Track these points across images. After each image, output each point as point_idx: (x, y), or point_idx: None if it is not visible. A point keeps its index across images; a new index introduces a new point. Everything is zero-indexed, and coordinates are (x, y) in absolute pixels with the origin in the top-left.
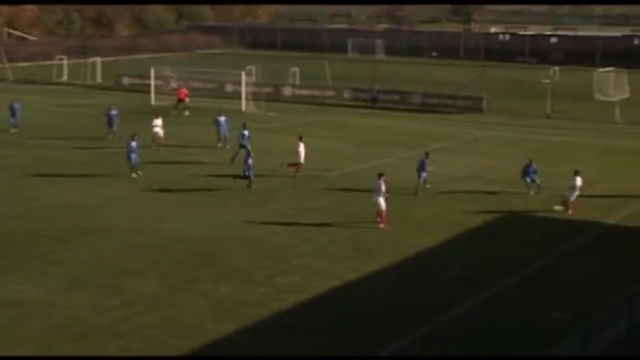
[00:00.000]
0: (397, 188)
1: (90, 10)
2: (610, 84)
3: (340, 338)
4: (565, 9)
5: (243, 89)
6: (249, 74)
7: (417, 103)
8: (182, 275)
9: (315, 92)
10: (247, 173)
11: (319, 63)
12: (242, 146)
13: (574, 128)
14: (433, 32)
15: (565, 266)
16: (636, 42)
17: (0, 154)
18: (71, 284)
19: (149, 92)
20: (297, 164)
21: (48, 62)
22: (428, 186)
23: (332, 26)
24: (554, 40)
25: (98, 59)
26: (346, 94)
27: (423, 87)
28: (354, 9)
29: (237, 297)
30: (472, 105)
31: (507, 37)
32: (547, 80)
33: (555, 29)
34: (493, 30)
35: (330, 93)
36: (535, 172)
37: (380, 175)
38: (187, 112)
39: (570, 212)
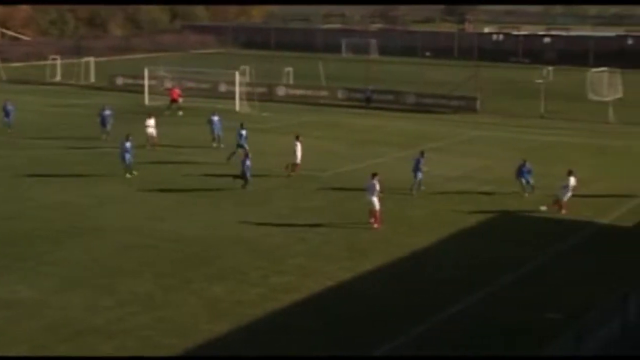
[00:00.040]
0: (391, 188)
1: (84, 10)
2: (604, 84)
3: (334, 338)
4: (558, 9)
5: (237, 89)
6: (242, 74)
7: (411, 103)
8: (176, 275)
9: (309, 92)
10: (246, 173)
11: (312, 63)
12: (240, 146)
13: (567, 128)
14: (427, 32)
15: (559, 266)
16: (629, 42)
17: None
18: (65, 284)
19: (142, 92)
20: (294, 164)
21: (42, 62)
22: (422, 187)
23: (326, 26)
24: (547, 40)
25: (92, 59)
26: (340, 94)
27: (417, 87)
28: (347, 9)
29: (231, 297)
30: (466, 105)
31: (501, 37)
32: (540, 80)
33: (549, 29)
34: (487, 30)
35: (324, 93)
36: (529, 172)
37: (374, 174)
38: (180, 112)
39: (563, 212)
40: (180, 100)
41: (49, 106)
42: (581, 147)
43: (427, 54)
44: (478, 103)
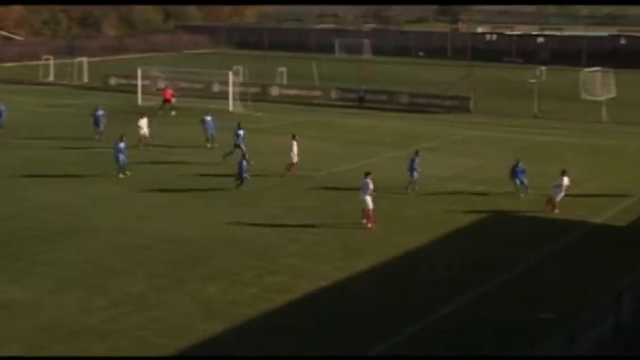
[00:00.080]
0: (384, 188)
1: (77, 10)
2: (597, 83)
3: (327, 338)
4: (551, 9)
5: (230, 89)
6: (236, 74)
7: (405, 103)
8: (170, 276)
9: (303, 92)
10: (242, 174)
11: (306, 63)
12: (237, 146)
13: (560, 128)
14: (420, 32)
15: (552, 266)
16: (622, 41)
17: None
18: (59, 285)
19: (136, 93)
20: (291, 164)
21: (34, 62)
22: (416, 187)
23: (319, 26)
24: (540, 40)
25: (85, 59)
26: (333, 94)
27: (410, 87)
28: (340, 9)
29: (225, 298)
30: (460, 105)
31: (494, 37)
32: (534, 80)
33: (542, 29)
34: (480, 30)
35: (317, 93)
36: (523, 172)
37: (367, 173)
38: (173, 112)
39: (557, 211)
40: (174, 100)
41: (42, 106)
42: (574, 146)
43: (421, 54)
44: (471, 103)
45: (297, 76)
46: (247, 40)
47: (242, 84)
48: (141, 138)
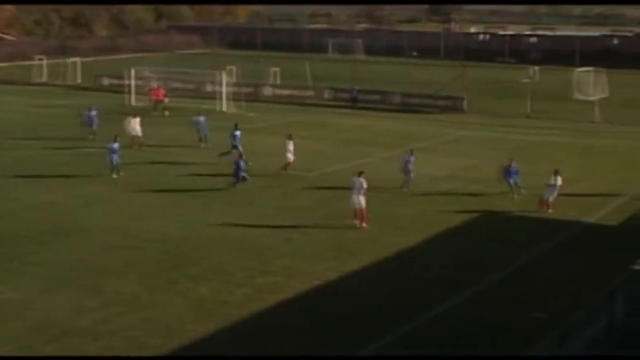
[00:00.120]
0: (377, 188)
1: (68, 10)
2: (590, 83)
3: (320, 338)
4: (543, 8)
5: (223, 89)
6: (228, 74)
7: (397, 103)
8: (162, 276)
9: (296, 92)
10: (240, 174)
11: (299, 63)
12: (234, 147)
13: (553, 127)
14: (413, 32)
15: (545, 265)
16: (615, 41)
17: None
18: (51, 285)
19: (128, 93)
20: (287, 163)
21: (27, 63)
22: (409, 187)
23: (312, 26)
24: (533, 40)
25: (77, 60)
26: (326, 94)
27: (403, 87)
28: (333, 9)
29: (217, 298)
30: (452, 105)
31: (487, 37)
32: (526, 80)
33: (534, 29)
34: (472, 30)
35: (310, 93)
36: (517, 172)
37: (360, 173)
38: (167, 113)
39: (550, 211)
40: (166, 100)
41: (35, 107)
42: (567, 146)
43: (413, 53)
44: (464, 103)
45: (290, 76)
46: (240, 41)
47: (235, 84)
48: (134, 138)
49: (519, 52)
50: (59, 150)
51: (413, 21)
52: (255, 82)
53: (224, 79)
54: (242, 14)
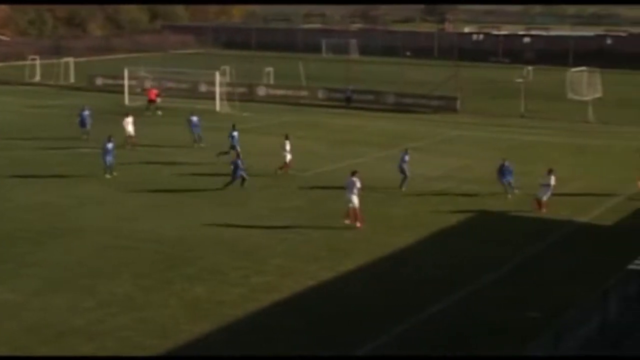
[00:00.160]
0: (371, 187)
1: (63, 10)
2: (583, 83)
3: (315, 338)
4: (537, 8)
5: (217, 89)
6: (223, 74)
7: (391, 103)
8: (156, 276)
9: (290, 92)
10: (239, 173)
11: (293, 63)
12: (232, 147)
13: (547, 127)
14: (407, 32)
15: (539, 265)
16: (608, 41)
17: None
18: (46, 286)
19: (122, 93)
20: (285, 163)
21: (20, 63)
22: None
23: (306, 26)
24: (527, 40)
25: (71, 59)
26: (320, 94)
27: (397, 87)
28: (327, 9)
29: (212, 298)
30: (446, 105)
31: (481, 37)
32: (520, 80)
33: (528, 29)
34: (467, 30)
35: (304, 93)
36: (510, 172)
37: (354, 172)
38: (159, 112)
39: (544, 210)
40: (159, 100)
41: (28, 107)
42: (561, 146)
43: (408, 53)
44: (458, 103)
45: (284, 76)
46: (234, 40)
47: (229, 84)
48: (127, 138)
49: (512, 52)
50: (53, 150)
51: (407, 21)
52: (250, 82)
53: (218, 78)
54: (237, 14)
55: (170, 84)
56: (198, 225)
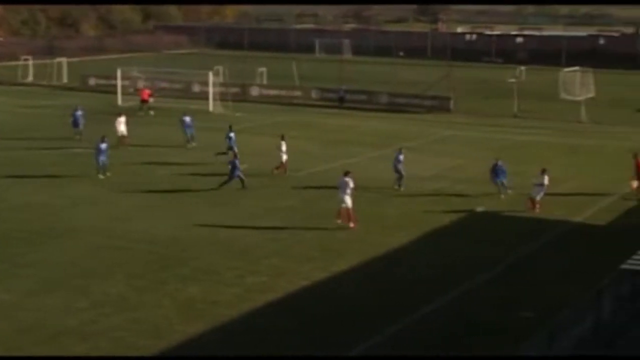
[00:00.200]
0: (364, 187)
1: (56, 10)
2: (576, 83)
3: (309, 338)
4: (530, 8)
5: (210, 89)
6: (216, 74)
7: (384, 103)
8: (150, 277)
9: (283, 92)
10: (236, 173)
11: (286, 63)
12: (230, 148)
13: (540, 127)
14: (400, 32)
15: (533, 265)
16: (601, 41)
17: None
18: (39, 286)
19: (115, 93)
20: (281, 163)
21: (13, 63)
22: (396, 187)
23: (299, 26)
24: (519, 40)
25: (64, 60)
26: (313, 94)
27: (390, 87)
28: (320, 9)
29: (206, 298)
30: (439, 105)
31: (474, 37)
32: (513, 80)
33: (521, 29)
34: (460, 30)
35: (297, 93)
36: (504, 172)
37: (347, 172)
38: (152, 112)
39: (537, 210)
40: (151, 100)
41: (21, 107)
42: (554, 146)
43: (401, 53)
44: (451, 103)
45: (277, 76)
46: (227, 41)
47: (222, 84)
48: (120, 138)
49: (505, 52)
50: (46, 150)
51: (400, 21)
52: (243, 82)
53: (211, 79)
54: (230, 14)
55: (163, 84)
56: (191, 226)
